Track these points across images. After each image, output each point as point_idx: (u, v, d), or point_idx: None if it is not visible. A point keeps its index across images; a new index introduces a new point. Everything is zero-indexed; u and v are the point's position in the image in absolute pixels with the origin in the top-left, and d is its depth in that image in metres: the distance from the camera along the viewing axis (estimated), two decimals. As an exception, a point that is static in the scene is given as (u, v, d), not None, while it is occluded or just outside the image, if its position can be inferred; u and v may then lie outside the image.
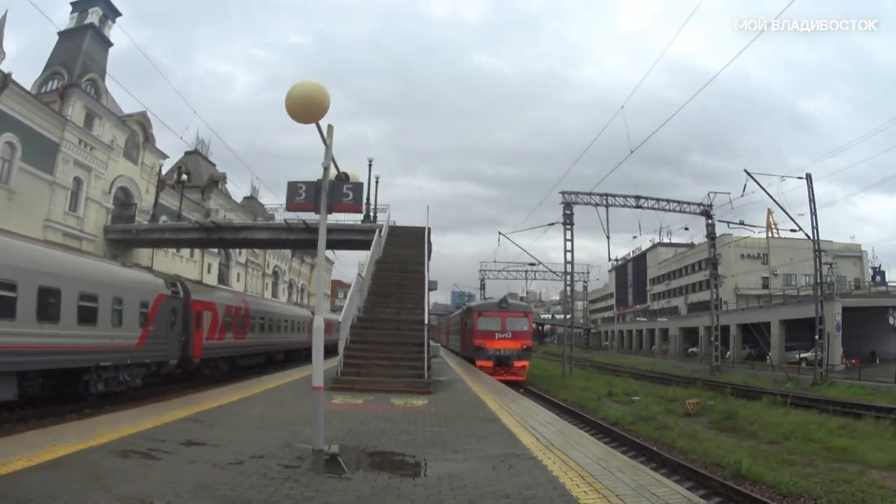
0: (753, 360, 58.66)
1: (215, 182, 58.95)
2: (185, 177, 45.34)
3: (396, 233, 32.47)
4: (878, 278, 79.78)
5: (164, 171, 50.49)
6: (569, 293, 48.63)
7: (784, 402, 26.23)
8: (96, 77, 43.69)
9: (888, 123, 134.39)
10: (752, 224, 48.09)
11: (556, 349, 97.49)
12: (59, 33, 43.33)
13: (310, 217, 35.72)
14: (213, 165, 62.45)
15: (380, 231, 29.03)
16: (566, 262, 43.13)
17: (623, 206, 44.85)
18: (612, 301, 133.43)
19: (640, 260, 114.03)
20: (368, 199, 36.85)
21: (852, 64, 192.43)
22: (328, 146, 8.65)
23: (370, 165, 37.18)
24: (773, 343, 55.60)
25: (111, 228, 41.13)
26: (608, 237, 42.79)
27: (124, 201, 44.72)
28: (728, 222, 46.39)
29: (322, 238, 9.04)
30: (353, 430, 10.56)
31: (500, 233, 47.90)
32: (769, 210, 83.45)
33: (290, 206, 9.28)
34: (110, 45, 46.31)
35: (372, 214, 36.50)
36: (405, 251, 28.41)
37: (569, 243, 42.91)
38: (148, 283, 24.86)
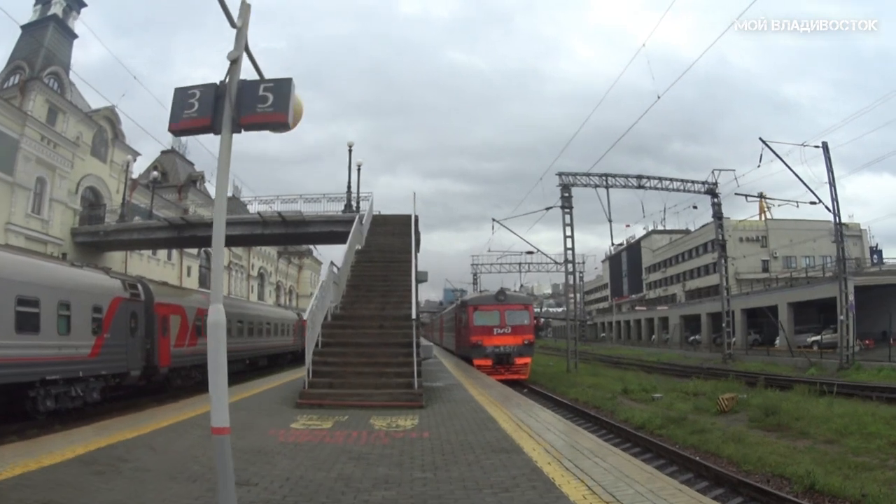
0: (759, 345, 55.96)
1: (193, 181, 55.17)
2: (155, 173, 42.08)
3: (380, 221, 29.35)
4: (875, 257, 77.15)
5: (139, 172, 47.01)
6: (570, 282, 44.78)
7: (820, 391, 23.36)
8: (59, 70, 40.22)
9: (875, 103, 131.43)
10: (773, 197, 44.04)
11: (551, 342, 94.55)
12: (22, 27, 39.88)
13: (287, 209, 32.38)
14: (192, 165, 58.72)
15: (360, 218, 25.60)
16: (566, 249, 39.54)
17: (624, 187, 41.80)
18: (607, 292, 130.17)
19: (634, 249, 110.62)
20: (349, 187, 33.76)
21: (835, 47, 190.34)
22: (240, 29, 5.15)
23: (350, 151, 33.71)
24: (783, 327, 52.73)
25: (79, 231, 37.85)
26: (610, 220, 39.98)
27: (93, 202, 41.40)
28: (746, 195, 42.34)
29: (223, 181, 5.47)
30: (303, 484, 6.96)
31: (493, 220, 44.28)
32: (761, 193, 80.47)
33: (178, 125, 5.68)
34: (75, 36, 42.77)
35: (354, 204, 32.81)
36: (390, 240, 25.36)
37: (568, 228, 39.36)
38: (101, 284, 21.78)
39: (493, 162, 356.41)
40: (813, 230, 72.64)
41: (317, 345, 14.92)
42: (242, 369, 33.67)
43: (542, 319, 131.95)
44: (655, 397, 24.65)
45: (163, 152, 55.92)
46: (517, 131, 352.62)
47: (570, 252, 39.60)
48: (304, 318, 13.76)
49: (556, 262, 56.68)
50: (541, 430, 10.53)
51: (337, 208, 33.16)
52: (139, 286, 24.56)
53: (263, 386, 18.06)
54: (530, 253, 54.47)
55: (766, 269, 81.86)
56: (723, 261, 47.05)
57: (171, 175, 53.69)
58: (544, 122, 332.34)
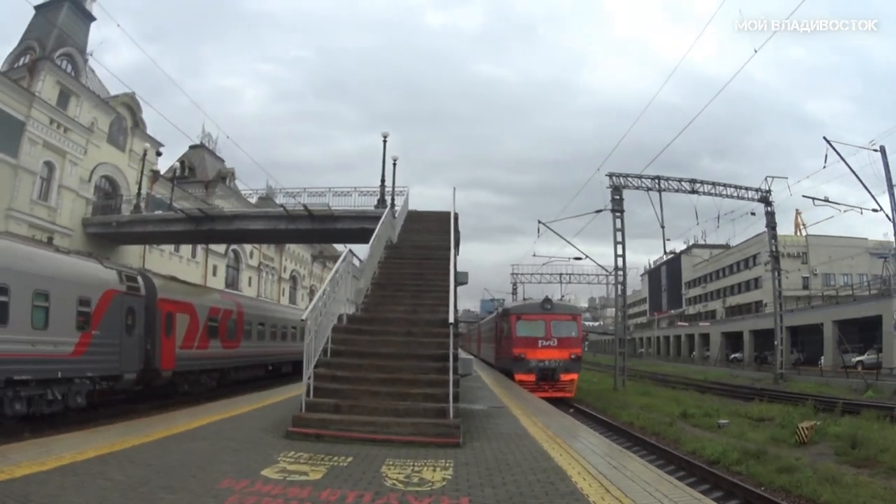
0: (802, 364, 53.27)
1: (223, 178, 51.90)
2: (175, 163, 38.47)
3: (415, 218, 25.86)
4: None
5: (166, 167, 43.92)
6: (619, 291, 40.82)
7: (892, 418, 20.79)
8: (73, 52, 37.40)
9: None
10: (837, 202, 40.69)
11: (589, 357, 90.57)
12: (36, 7, 36.91)
13: (312, 202, 28.93)
14: (222, 161, 55.45)
15: (392, 209, 22.10)
16: (616, 256, 35.63)
17: (677, 191, 38.32)
18: (646, 306, 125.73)
19: (674, 263, 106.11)
20: (384, 180, 30.07)
21: (850, 62, 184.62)
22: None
23: (385, 142, 30.01)
24: (826, 346, 50.76)
25: (90, 221, 34.58)
26: (663, 226, 37.69)
27: (110, 192, 38.18)
28: (813, 198, 40.46)
29: None
30: None
31: (539, 222, 40.41)
32: (797, 210, 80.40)
33: None
34: (92, 19, 39.80)
35: (388, 199, 29.06)
36: (426, 237, 21.98)
37: (619, 234, 35.47)
38: (90, 274, 19.01)
39: (524, 175, 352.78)
40: (851, 247, 71.19)
41: (324, 352, 11.30)
42: (262, 376, 30.73)
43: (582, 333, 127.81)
44: (721, 424, 21.05)
45: (191, 147, 52.93)
46: (547, 144, 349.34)
47: (619, 259, 35.69)
48: (304, 318, 10.01)
49: (606, 271, 52.80)
50: (638, 494, 6.77)
51: (369, 203, 29.58)
52: (139, 279, 21.57)
53: (262, 401, 14.44)
54: (578, 259, 50.33)
55: (805, 287, 77.76)
56: (776, 273, 44.60)
57: (199, 170, 50.62)
58: (574, 135, 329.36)
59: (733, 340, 73.62)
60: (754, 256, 79.83)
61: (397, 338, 12.37)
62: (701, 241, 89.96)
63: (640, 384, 37.55)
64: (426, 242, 21.08)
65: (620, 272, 36.68)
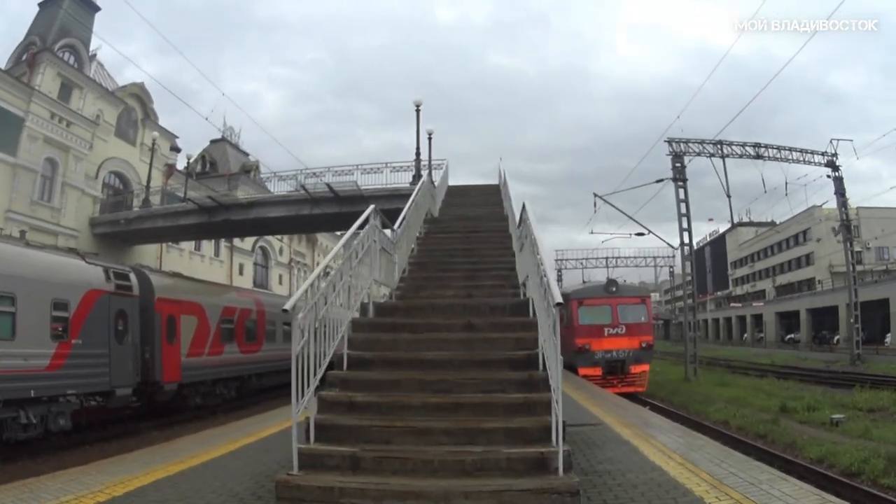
0: (865, 343, 47.92)
1: (247, 171, 47.99)
2: (189, 154, 34.81)
3: (457, 192, 21.55)
4: None
5: (187, 162, 40.37)
6: (688, 269, 36.72)
7: None
8: (76, 43, 33.95)
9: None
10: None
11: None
12: (39, 4, 34.64)
13: (337, 181, 24.99)
14: (246, 155, 51.50)
15: (430, 176, 18.18)
16: (682, 230, 31.42)
17: (741, 157, 33.95)
18: (690, 289, 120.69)
19: (718, 243, 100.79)
20: (419, 153, 26.16)
21: (874, 31, 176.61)
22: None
23: (418, 111, 25.90)
24: (894, 322, 48.13)
25: (97, 220, 31.06)
26: (729, 195, 33.42)
27: (120, 190, 34.60)
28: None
29: None
30: None
31: (595, 195, 36.25)
32: None
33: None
34: (97, 9, 36.09)
35: (424, 175, 25.02)
36: (473, 210, 17.81)
37: (682, 205, 31.25)
38: (68, 272, 15.76)
39: (548, 163, 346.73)
40: (905, 220, 66.37)
41: (336, 363, 7.09)
42: (286, 383, 26.38)
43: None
44: (836, 420, 16.85)
45: (212, 141, 49.32)
46: (569, 132, 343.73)
47: (685, 233, 31.43)
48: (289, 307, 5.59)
49: (672, 247, 48.32)
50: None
51: (403, 181, 25.62)
52: (132, 276, 17.92)
53: (261, 431, 10.12)
54: (640, 234, 45.79)
55: (859, 262, 73.16)
56: (849, 245, 39.76)
57: (221, 164, 46.95)
58: (595, 122, 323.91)
59: (787, 320, 69.76)
60: (804, 232, 75.24)
61: (452, 334, 7.88)
62: (745, 220, 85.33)
63: (711, 373, 33.20)
64: (475, 214, 17.05)
65: (687, 247, 32.42)
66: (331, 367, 6.73)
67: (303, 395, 5.53)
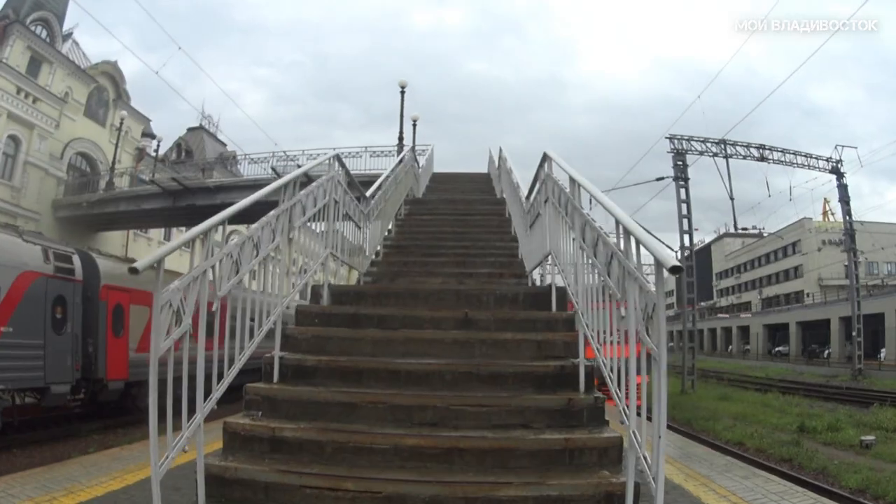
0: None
1: (224, 160, 45.65)
2: (158, 135, 32.59)
3: (443, 179, 19.16)
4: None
5: (157, 145, 38.05)
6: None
7: None
8: (49, 17, 31.89)
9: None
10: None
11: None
12: None
13: (311, 165, 22.61)
14: (223, 145, 49.05)
15: (413, 151, 16.09)
16: (682, 232, 29.57)
17: (745, 158, 32.41)
18: (673, 299, 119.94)
19: (703, 253, 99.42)
20: (401, 137, 24.41)
21: (857, 48, 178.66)
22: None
23: (403, 93, 23.83)
24: (889, 336, 46.25)
25: (60, 203, 28.61)
26: (732, 198, 31.47)
27: (87, 172, 32.30)
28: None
29: None
30: None
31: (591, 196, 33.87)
32: (825, 199, 71.53)
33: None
34: (73, -21, 33.71)
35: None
36: (463, 195, 15.47)
37: (683, 206, 29.46)
38: None
39: (529, 170, 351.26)
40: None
41: (266, 371, 4.84)
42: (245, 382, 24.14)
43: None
44: (866, 442, 15.16)
45: (189, 129, 47.20)
46: (547, 140, 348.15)
47: (686, 236, 29.57)
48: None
49: (669, 248, 46.55)
50: None
51: (385, 166, 23.55)
52: (75, 259, 15.60)
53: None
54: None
55: (848, 276, 72.26)
56: (852, 254, 40.14)
57: (198, 153, 44.61)
58: (572, 131, 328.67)
59: (774, 333, 68.44)
60: (794, 244, 73.85)
61: (442, 332, 5.38)
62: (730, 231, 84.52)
63: (707, 385, 31.91)
64: (465, 197, 14.86)
65: (688, 250, 30.50)
66: (253, 375, 4.44)
67: (187, 420, 3.27)
